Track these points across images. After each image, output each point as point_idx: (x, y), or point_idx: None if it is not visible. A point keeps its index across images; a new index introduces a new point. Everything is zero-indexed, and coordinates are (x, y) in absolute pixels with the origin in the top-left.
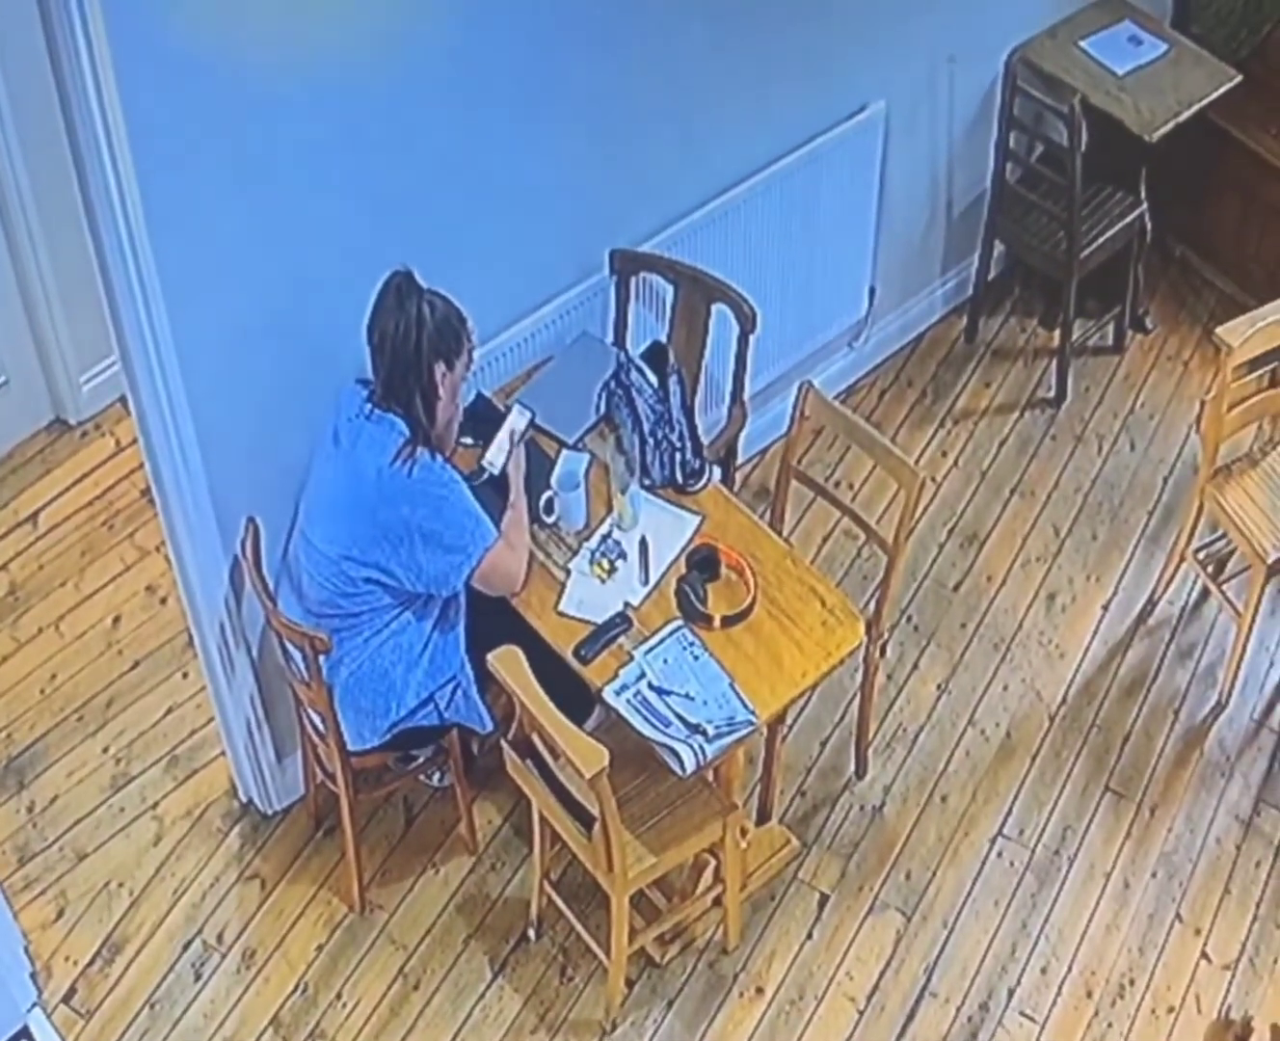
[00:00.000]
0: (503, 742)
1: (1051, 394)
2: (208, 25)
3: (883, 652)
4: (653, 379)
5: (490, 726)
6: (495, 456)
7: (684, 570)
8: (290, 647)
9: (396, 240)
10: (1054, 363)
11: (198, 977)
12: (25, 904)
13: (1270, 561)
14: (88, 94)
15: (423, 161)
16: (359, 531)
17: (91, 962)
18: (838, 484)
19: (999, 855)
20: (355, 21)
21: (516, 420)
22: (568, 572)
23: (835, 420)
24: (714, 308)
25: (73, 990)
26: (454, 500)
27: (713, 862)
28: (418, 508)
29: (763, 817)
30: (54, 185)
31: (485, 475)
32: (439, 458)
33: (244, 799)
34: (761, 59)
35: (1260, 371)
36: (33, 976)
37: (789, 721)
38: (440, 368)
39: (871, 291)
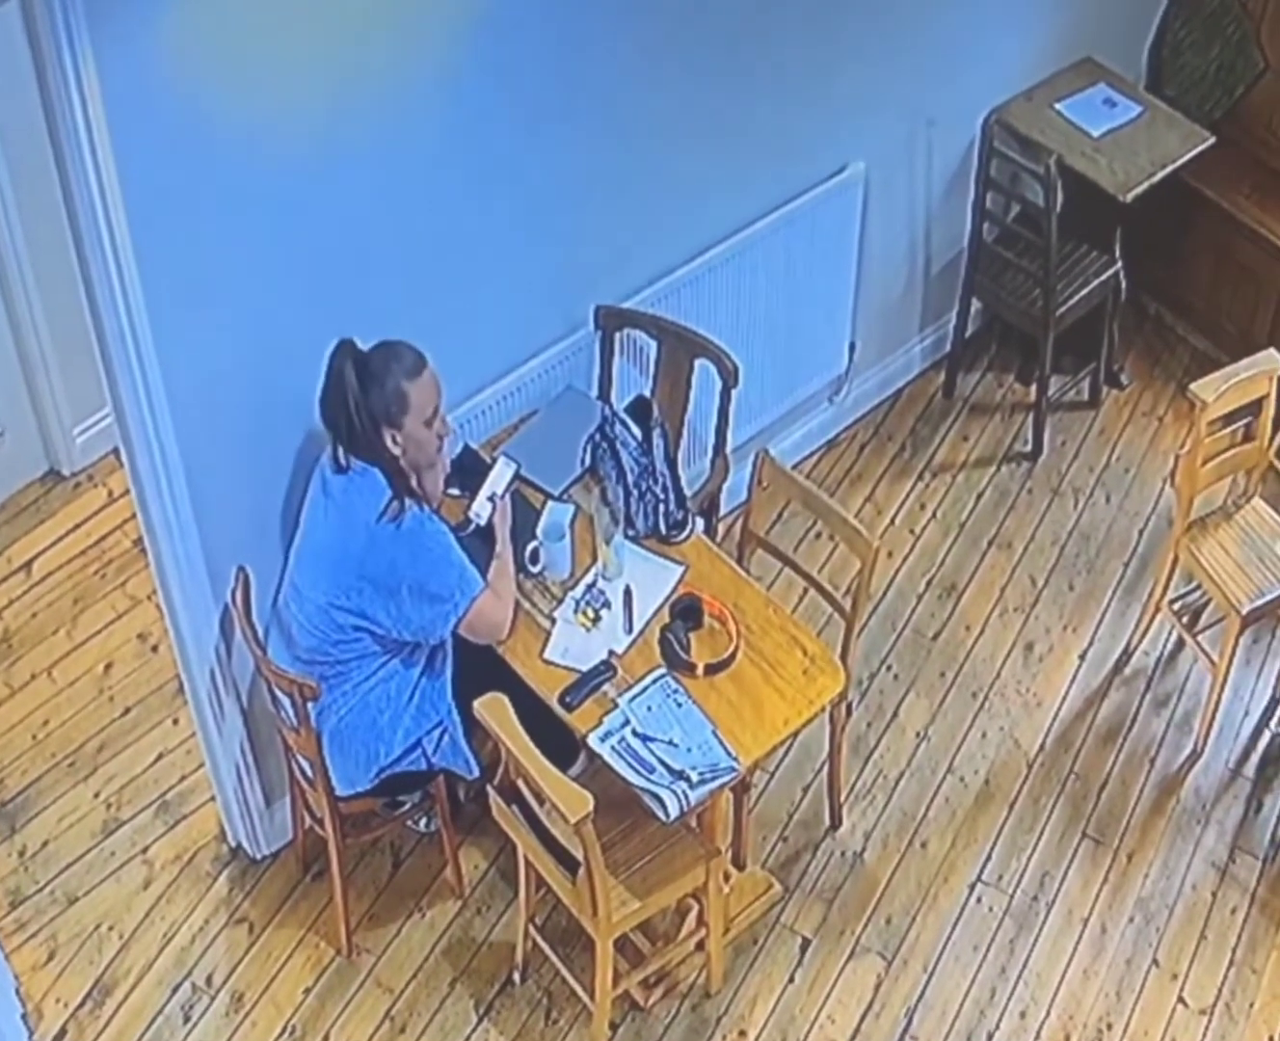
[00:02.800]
0: (489, 788)
1: (1028, 448)
2: (205, 90)
3: (849, 712)
4: (637, 432)
5: (476, 772)
6: (481, 507)
7: (667, 619)
8: (279, 694)
9: (385, 297)
10: (1030, 417)
11: (187, 1020)
12: (17, 946)
13: (1244, 612)
14: (83, 152)
15: (411, 221)
16: (347, 581)
17: (82, 1004)
18: (818, 536)
19: (978, 900)
20: (346, 89)
21: (502, 472)
22: (553, 621)
23: (791, 488)
24: (697, 362)
25: (63, 1031)
26: (440, 552)
27: (696, 907)
28: (405, 559)
29: (738, 866)
30: (49, 240)
31: (472, 526)
32: (426, 509)
33: (233, 843)
34: (744, 120)
35: (1234, 426)
36: (24, 1018)
37: (771, 769)
38: (388, 433)
39: (851, 347)
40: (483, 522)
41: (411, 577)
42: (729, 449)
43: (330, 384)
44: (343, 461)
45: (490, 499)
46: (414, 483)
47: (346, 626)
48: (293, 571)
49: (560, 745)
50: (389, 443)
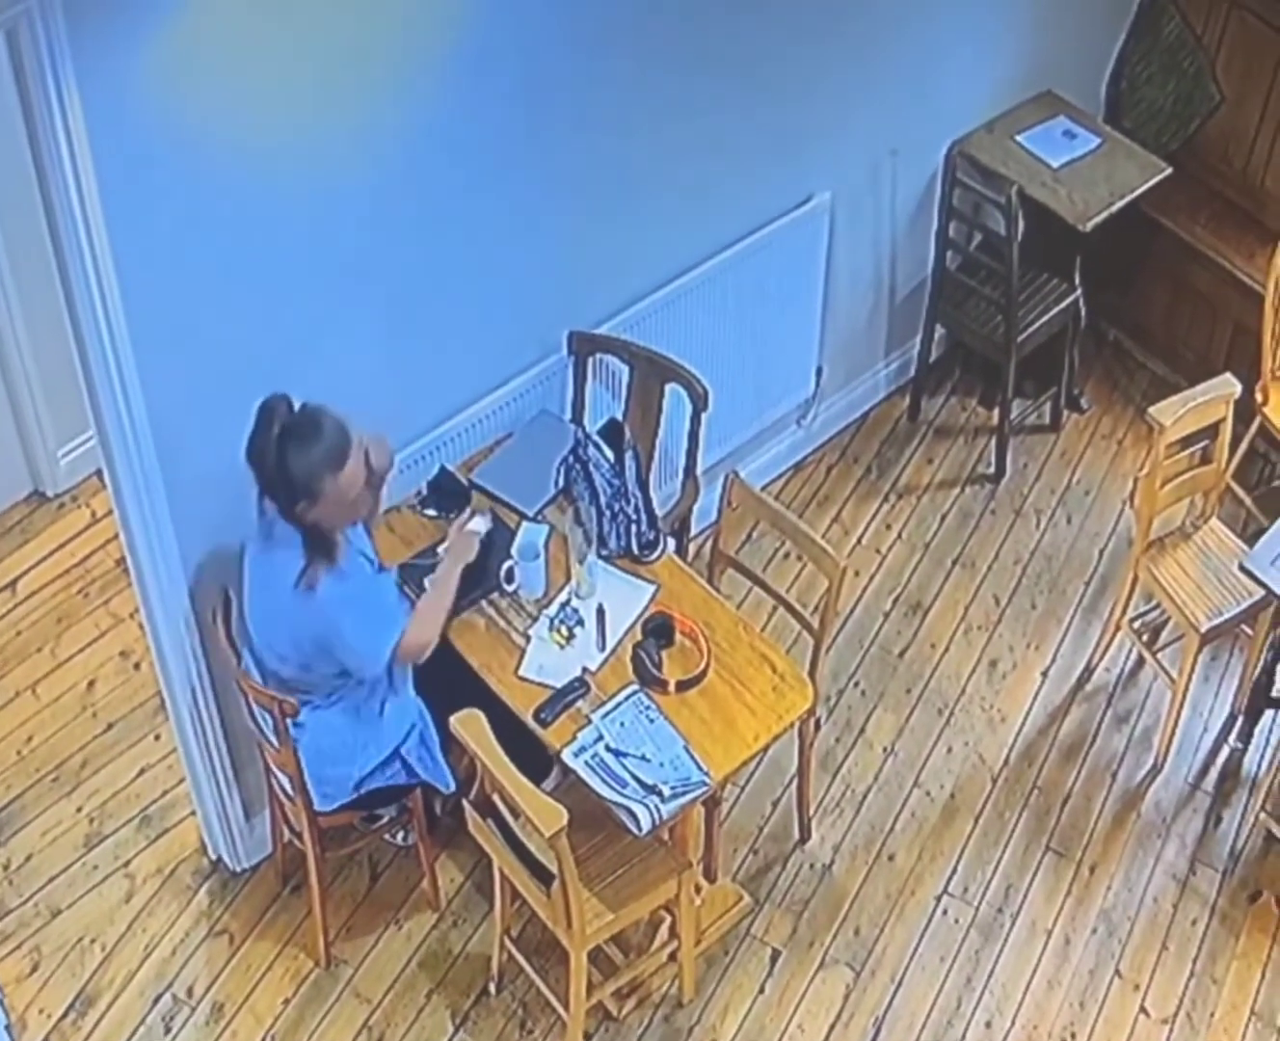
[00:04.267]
0: (465, 803)
1: (991, 470)
2: (187, 123)
3: (817, 728)
4: (609, 454)
5: (452, 787)
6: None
7: (640, 637)
8: (258, 710)
9: (365, 324)
10: (993, 440)
11: (168, 1030)
12: (1, 958)
13: (1203, 630)
14: (67, 181)
15: (391, 252)
16: (279, 640)
17: (65, 1015)
18: (787, 556)
19: (944, 912)
20: (326, 124)
21: (478, 523)
22: (528, 639)
23: (760, 510)
24: (668, 387)
25: None
26: (356, 611)
27: (668, 919)
28: (324, 625)
29: (709, 879)
30: (33, 266)
31: (438, 559)
32: (340, 564)
33: (213, 857)
34: (714, 152)
35: (1191, 449)
36: (8, 1028)
37: (741, 783)
38: (301, 504)
39: (819, 372)
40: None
41: (332, 641)
42: (699, 471)
43: (253, 439)
44: (266, 509)
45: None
46: (334, 536)
47: (294, 666)
48: (243, 607)
49: (534, 760)
50: (300, 511)
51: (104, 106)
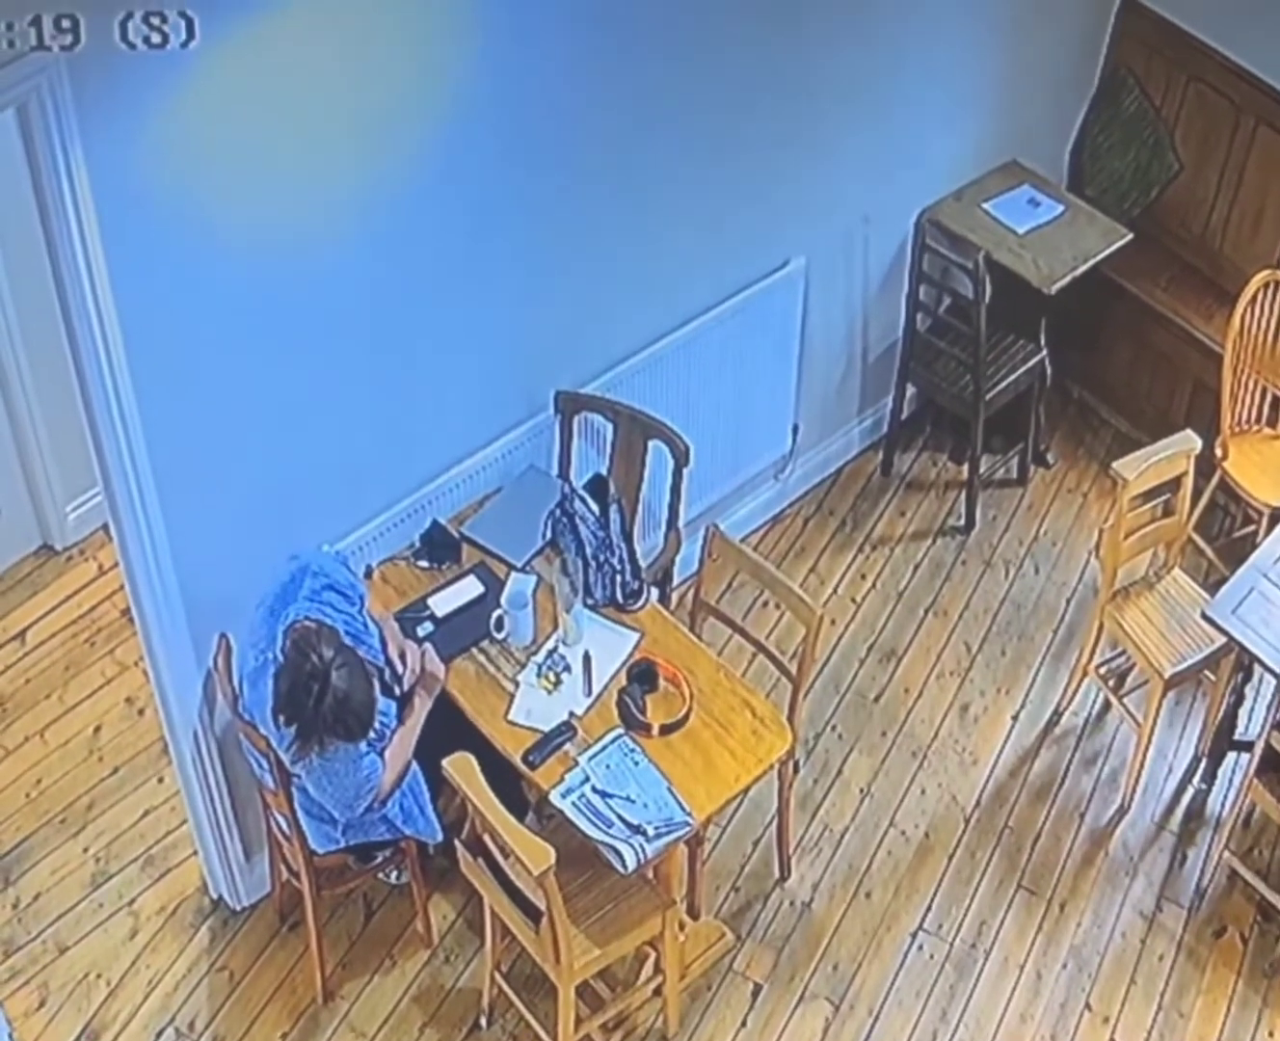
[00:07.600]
0: (456, 842)
1: (961, 522)
2: (189, 193)
3: (796, 770)
4: (594, 508)
5: (440, 838)
6: (442, 604)
7: (624, 682)
8: (257, 755)
9: (361, 384)
10: (963, 494)
11: None
12: (10, 993)
13: (1167, 676)
14: (75, 250)
15: (386, 316)
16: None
17: None
18: (766, 605)
19: (920, 948)
20: (318, 191)
21: (472, 586)
22: (517, 684)
23: (740, 560)
24: (650, 443)
25: None
26: (344, 776)
27: (653, 954)
28: (317, 788)
29: (692, 916)
30: (42, 327)
31: (427, 612)
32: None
33: (214, 895)
34: (696, 220)
35: (1154, 502)
36: None
37: (723, 823)
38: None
39: (795, 429)
40: (438, 616)
41: (315, 791)
42: (681, 523)
43: (299, 675)
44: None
45: (453, 599)
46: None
47: None
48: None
49: (521, 797)
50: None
51: (109, 174)
